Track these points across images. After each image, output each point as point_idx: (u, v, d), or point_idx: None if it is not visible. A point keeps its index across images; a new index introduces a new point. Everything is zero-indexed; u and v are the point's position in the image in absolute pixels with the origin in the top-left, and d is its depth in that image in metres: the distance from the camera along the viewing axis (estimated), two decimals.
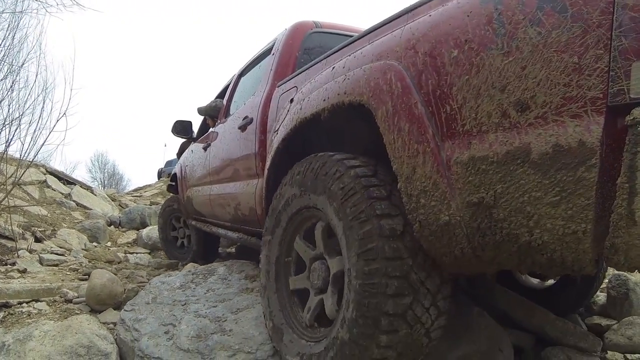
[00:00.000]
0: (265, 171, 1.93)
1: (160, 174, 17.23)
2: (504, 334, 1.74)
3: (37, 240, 3.82)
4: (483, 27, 0.95)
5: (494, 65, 0.92)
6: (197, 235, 3.75)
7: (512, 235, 0.92)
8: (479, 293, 1.99)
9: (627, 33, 0.73)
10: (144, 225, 5.61)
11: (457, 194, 1.00)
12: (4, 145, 3.98)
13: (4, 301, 2.31)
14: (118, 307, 2.35)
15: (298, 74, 1.96)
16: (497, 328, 1.72)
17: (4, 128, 4.01)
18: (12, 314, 2.22)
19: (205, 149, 3.19)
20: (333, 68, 1.56)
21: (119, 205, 7.24)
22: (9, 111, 4.13)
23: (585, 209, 0.79)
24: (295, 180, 1.56)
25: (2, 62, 4.53)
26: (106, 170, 34.06)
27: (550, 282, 2.37)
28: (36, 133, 3.85)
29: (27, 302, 2.37)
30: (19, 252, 3.35)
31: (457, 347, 1.56)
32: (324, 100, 1.47)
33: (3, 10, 4.77)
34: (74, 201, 5.90)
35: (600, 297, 2.46)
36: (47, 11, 4.85)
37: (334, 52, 1.68)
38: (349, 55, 1.49)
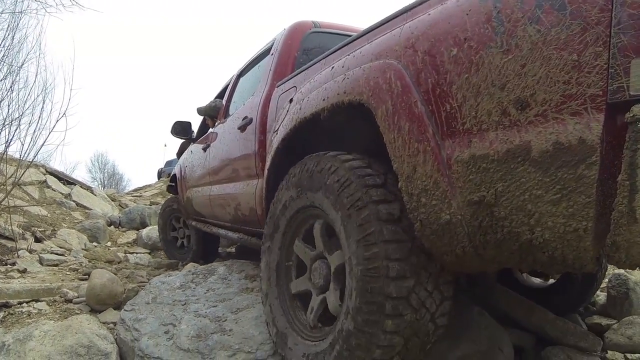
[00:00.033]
0: (265, 171, 1.93)
1: (160, 174, 17.24)
2: (504, 334, 1.74)
3: (37, 240, 3.82)
4: (482, 25, 0.95)
5: (493, 63, 0.92)
6: (196, 235, 3.75)
7: (513, 234, 0.92)
8: (479, 293, 1.99)
9: (626, 30, 0.73)
10: (143, 225, 5.62)
11: (458, 193, 1.00)
12: (4, 145, 3.98)
13: (4, 301, 2.31)
14: (118, 307, 2.36)
15: (297, 74, 1.96)
16: (498, 328, 1.72)
17: (3, 128, 4.01)
18: (12, 314, 2.22)
19: (204, 149, 3.18)
20: (332, 68, 1.56)
21: (119, 205, 7.24)
22: (8, 111, 4.14)
23: (586, 206, 0.79)
24: (291, 183, 1.57)
25: (2, 63, 4.54)
26: (106, 170, 34.10)
27: (551, 281, 2.37)
28: (36, 133, 3.86)
29: (27, 302, 2.37)
30: (19, 252, 3.35)
31: (457, 347, 1.56)
32: (324, 100, 1.47)
33: (3, 11, 4.77)
34: (74, 201, 5.90)
35: (601, 296, 2.46)
36: (46, 11, 4.85)
37: (333, 52, 1.68)
38: (348, 55, 1.49)
